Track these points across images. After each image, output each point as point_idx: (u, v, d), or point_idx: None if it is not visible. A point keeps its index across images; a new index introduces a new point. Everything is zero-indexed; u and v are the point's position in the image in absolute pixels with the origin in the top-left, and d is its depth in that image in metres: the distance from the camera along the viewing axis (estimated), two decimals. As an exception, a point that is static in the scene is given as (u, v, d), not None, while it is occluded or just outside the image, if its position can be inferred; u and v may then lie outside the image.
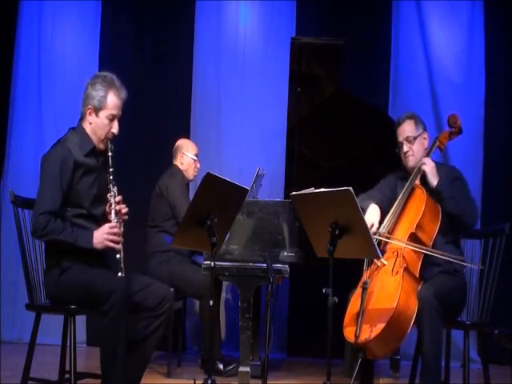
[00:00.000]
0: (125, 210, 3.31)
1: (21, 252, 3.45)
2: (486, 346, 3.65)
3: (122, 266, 3.19)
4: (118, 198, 3.30)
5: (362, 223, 3.04)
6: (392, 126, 4.71)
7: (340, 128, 4.94)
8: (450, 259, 3.43)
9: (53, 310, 3.42)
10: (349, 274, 3.50)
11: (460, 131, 3.83)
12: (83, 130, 3.35)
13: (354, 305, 3.36)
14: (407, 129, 3.75)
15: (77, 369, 3.28)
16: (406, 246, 3.42)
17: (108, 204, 3.31)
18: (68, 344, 3.36)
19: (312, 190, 3.35)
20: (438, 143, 3.78)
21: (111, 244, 3.22)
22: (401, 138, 3.76)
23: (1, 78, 5.93)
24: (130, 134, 5.78)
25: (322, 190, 3.22)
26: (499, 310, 3.88)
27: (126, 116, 5.67)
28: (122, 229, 3.28)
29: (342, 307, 3.31)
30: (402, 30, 5.71)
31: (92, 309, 3.23)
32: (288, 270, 4.03)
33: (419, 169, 3.66)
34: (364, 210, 3.60)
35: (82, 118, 3.37)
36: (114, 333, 3.10)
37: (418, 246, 3.45)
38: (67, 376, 3.40)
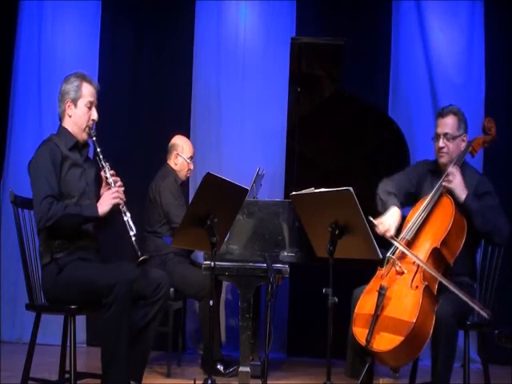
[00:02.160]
0: (119, 182, 3.39)
1: (20, 252, 3.45)
2: (486, 346, 3.65)
3: (131, 224, 3.28)
4: (112, 172, 3.39)
5: (361, 223, 3.04)
6: (392, 126, 4.74)
7: (340, 128, 4.94)
8: (465, 299, 3.22)
9: (53, 309, 3.43)
10: (349, 274, 3.50)
11: (494, 138, 3.69)
12: (64, 129, 3.48)
13: (365, 304, 3.27)
14: (450, 124, 3.58)
15: (77, 369, 3.29)
16: (424, 266, 3.26)
17: (104, 181, 3.40)
18: (68, 344, 3.36)
19: (312, 190, 3.34)
20: (470, 149, 3.62)
21: (116, 200, 3.30)
22: (439, 131, 3.60)
23: (1, 78, 5.93)
24: (129, 134, 5.80)
25: (322, 189, 3.22)
26: (499, 310, 3.88)
27: (126, 116, 5.77)
28: (123, 195, 3.35)
29: (341, 307, 3.30)
30: (402, 30, 5.71)
31: (93, 305, 3.25)
32: (288, 270, 4.03)
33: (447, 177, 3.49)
34: (384, 205, 3.53)
35: (62, 119, 3.50)
36: (115, 327, 3.11)
37: (436, 272, 3.28)
38: (67, 376, 3.40)
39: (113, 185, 3.35)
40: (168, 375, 4.50)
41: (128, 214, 3.30)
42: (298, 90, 4.87)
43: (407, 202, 3.68)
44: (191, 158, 4.94)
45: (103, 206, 3.31)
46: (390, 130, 4.75)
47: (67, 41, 5.94)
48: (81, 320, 5.48)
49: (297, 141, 4.83)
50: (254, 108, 5.71)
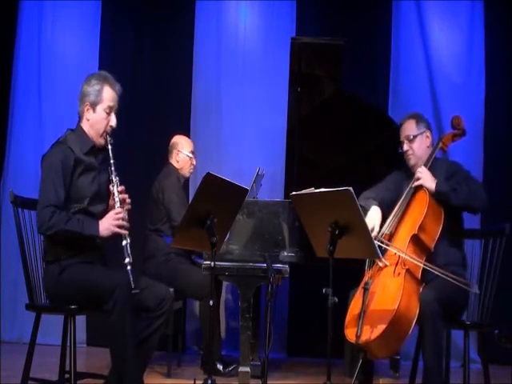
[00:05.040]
0: (128, 200, 3.34)
1: (21, 252, 3.45)
2: (486, 346, 3.65)
3: (129, 252, 3.20)
4: (121, 188, 3.33)
5: (361, 223, 3.04)
6: (392, 126, 4.75)
7: (340, 128, 4.94)
8: (450, 279, 3.36)
9: (53, 309, 3.43)
10: (349, 274, 3.50)
11: (463, 133, 3.84)
12: (82, 130, 3.40)
13: (355, 305, 3.35)
14: (407, 128, 3.79)
15: (77, 369, 3.28)
16: (405, 256, 3.39)
17: (111, 195, 3.34)
18: (68, 344, 3.36)
19: (312, 190, 3.35)
20: (440, 144, 3.79)
21: (118, 230, 3.24)
22: (402, 137, 3.81)
23: (1, 78, 5.93)
24: (129, 135, 5.79)
25: (322, 189, 3.22)
26: (499, 310, 3.88)
27: (126, 116, 5.74)
28: (127, 217, 3.30)
29: (342, 307, 3.31)
30: (402, 30, 5.71)
31: (94, 307, 3.24)
32: (288, 270, 4.03)
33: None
34: (366, 210, 3.60)
35: (80, 118, 3.43)
36: (120, 331, 3.10)
37: (418, 259, 3.41)
38: (67, 376, 3.40)
39: (118, 204, 3.28)
40: (168, 375, 4.50)
41: (128, 239, 3.22)
42: (298, 90, 4.87)
43: (386, 207, 3.77)
44: (192, 152, 4.94)
45: (104, 228, 3.25)
46: (390, 129, 4.74)
47: (67, 41, 5.95)
48: (81, 320, 5.49)
49: (297, 141, 4.83)
50: (254, 108, 5.71)
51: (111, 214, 3.28)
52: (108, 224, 3.25)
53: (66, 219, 3.21)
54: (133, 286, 3.13)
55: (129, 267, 3.16)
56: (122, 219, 3.26)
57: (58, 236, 3.23)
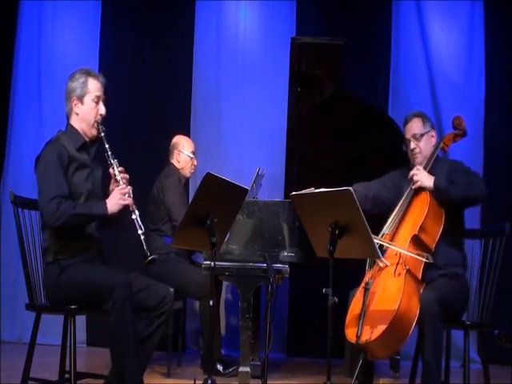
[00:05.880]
0: (128, 183, 3.39)
1: (21, 252, 3.45)
2: (486, 346, 3.65)
3: (140, 224, 3.28)
4: (121, 169, 3.39)
5: (361, 223, 3.04)
6: (392, 126, 4.75)
7: (340, 128, 4.94)
8: (408, 253, 3.40)
9: (53, 309, 3.43)
10: (349, 274, 3.50)
11: (464, 133, 3.84)
12: (72, 127, 3.45)
13: (355, 305, 3.35)
14: (414, 126, 3.76)
15: (77, 369, 3.29)
16: (405, 252, 3.39)
17: (112, 177, 3.39)
18: (68, 344, 3.37)
19: (312, 190, 3.35)
20: (442, 145, 3.79)
21: (125, 202, 3.29)
22: (408, 136, 3.78)
23: (1, 78, 5.94)
24: (129, 135, 5.80)
25: (322, 189, 3.22)
26: (499, 310, 3.88)
27: (126, 116, 5.77)
28: (132, 194, 3.35)
29: (342, 307, 3.31)
30: (402, 30, 5.71)
31: (94, 307, 3.25)
32: (288, 270, 4.03)
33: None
34: None
35: (69, 117, 3.47)
36: (120, 330, 3.11)
37: (417, 252, 3.42)
38: (67, 376, 3.40)
39: (121, 182, 3.34)
40: (168, 375, 4.50)
41: (136, 213, 3.30)
42: (298, 90, 4.86)
43: (381, 203, 3.80)
44: (193, 153, 4.95)
45: (112, 204, 3.29)
46: (390, 130, 4.74)
47: (67, 41, 5.95)
48: (81, 320, 5.49)
49: (297, 141, 4.82)
50: (254, 108, 5.71)
51: (116, 190, 3.33)
52: (115, 200, 3.30)
53: (74, 205, 3.25)
54: (148, 253, 3.23)
55: (142, 237, 3.24)
56: (128, 194, 3.32)
57: (67, 225, 3.23)
